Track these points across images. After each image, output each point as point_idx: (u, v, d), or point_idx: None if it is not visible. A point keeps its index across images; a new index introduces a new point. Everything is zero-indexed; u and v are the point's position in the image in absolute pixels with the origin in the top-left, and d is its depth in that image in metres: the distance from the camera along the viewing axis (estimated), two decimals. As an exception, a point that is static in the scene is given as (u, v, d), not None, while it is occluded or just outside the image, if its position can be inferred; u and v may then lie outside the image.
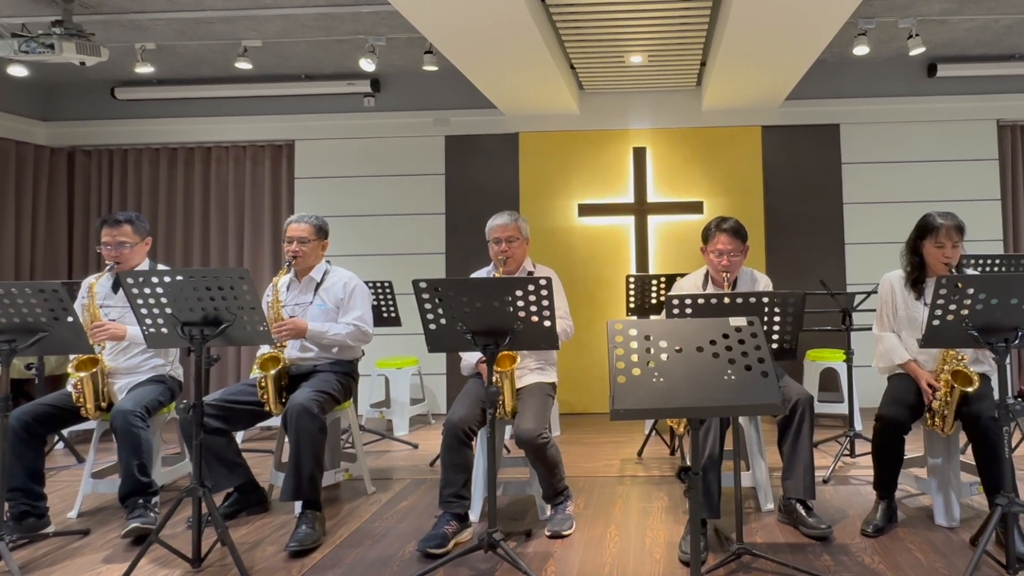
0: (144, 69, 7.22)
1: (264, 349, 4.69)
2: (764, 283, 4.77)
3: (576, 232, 8.26)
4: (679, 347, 2.75)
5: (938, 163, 8.14)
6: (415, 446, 6.55)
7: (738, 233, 4.56)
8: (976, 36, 7.39)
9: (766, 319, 3.75)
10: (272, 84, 8.31)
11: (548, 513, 4.40)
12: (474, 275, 4.82)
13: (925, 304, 4.19)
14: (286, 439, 4.34)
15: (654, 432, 6.25)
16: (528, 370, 4.60)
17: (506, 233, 4.63)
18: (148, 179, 8.70)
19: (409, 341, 7.60)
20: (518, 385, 4.46)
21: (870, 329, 4.69)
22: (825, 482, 5.07)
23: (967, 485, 4.29)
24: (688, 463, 2.91)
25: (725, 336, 2.79)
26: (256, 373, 4.53)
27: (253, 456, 5.65)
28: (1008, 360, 3.47)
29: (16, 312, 3.71)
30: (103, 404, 4.51)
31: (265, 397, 4.48)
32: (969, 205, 7.78)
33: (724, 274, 4.54)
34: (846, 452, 5.69)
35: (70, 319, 3.79)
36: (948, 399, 4.00)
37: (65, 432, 6.19)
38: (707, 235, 4.64)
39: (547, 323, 3.64)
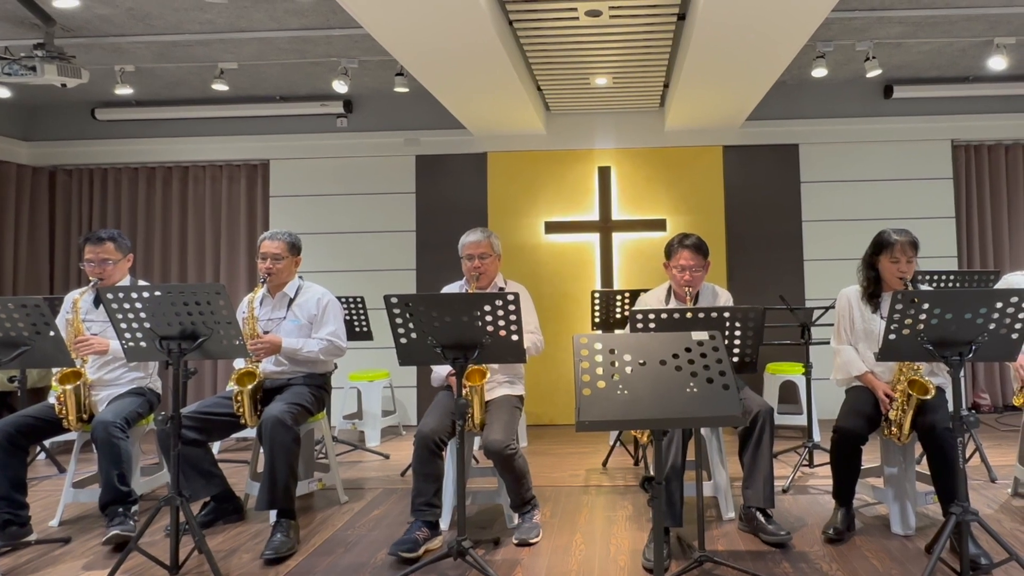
0: (123, 91, 7.30)
1: (240, 364, 4.72)
2: (725, 298, 4.83)
3: (543, 249, 8.34)
4: (643, 360, 2.79)
5: (894, 182, 8.25)
6: (387, 457, 6.60)
7: (700, 249, 4.64)
8: (931, 59, 7.50)
9: (727, 333, 3.80)
10: (247, 105, 8.40)
11: (516, 522, 4.45)
12: (446, 289, 4.87)
13: (882, 317, 4.28)
14: (261, 450, 4.35)
15: (619, 443, 6.30)
16: (497, 383, 4.64)
17: (479, 250, 4.68)
18: (127, 197, 8.76)
19: (381, 355, 7.62)
20: (487, 398, 4.51)
21: (828, 343, 4.75)
22: (784, 491, 5.16)
23: (922, 494, 4.36)
24: (652, 473, 2.89)
25: (687, 350, 2.82)
26: (232, 387, 4.56)
27: (229, 466, 5.68)
28: (962, 373, 3.47)
29: (-1, 327, 3.77)
30: (85, 416, 4.56)
31: (241, 411, 4.51)
32: (924, 223, 7.87)
33: (687, 289, 4.61)
34: (805, 462, 5.74)
35: (52, 333, 3.84)
36: (905, 407, 4.08)
37: (47, 443, 6.20)
38: (670, 251, 4.71)
39: (515, 337, 3.68)
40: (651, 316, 3.74)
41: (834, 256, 8.12)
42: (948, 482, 3.85)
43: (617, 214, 8.33)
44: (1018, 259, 8.23)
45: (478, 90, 6.71)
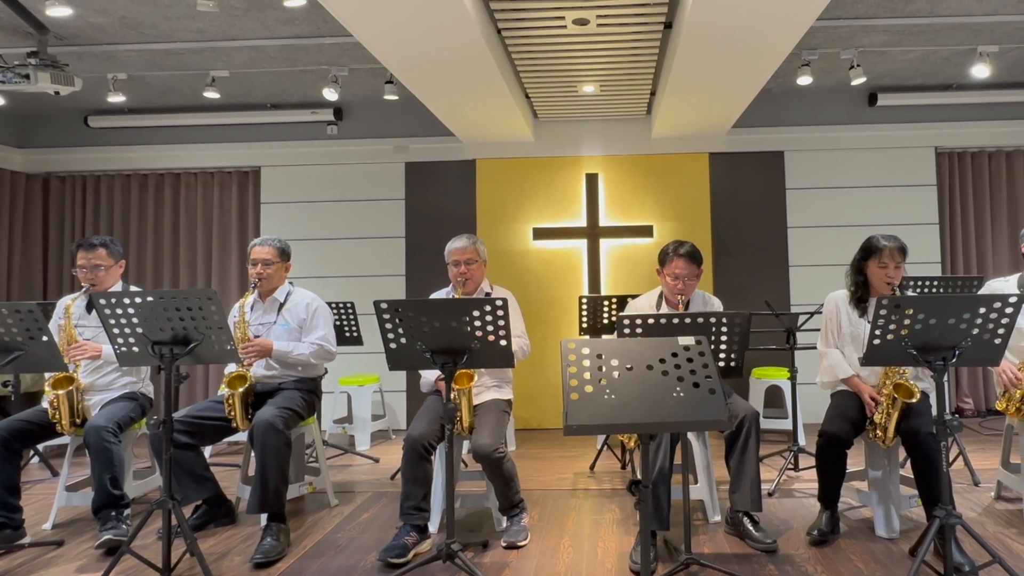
0: (116, 98, 7.32)
1: (231, 368, 4.75)
2: (716, 305, 4.85)
3: (531, 255, 8.39)
4: (630, 365, 2.79)
5: (878, 189, 8.30)
6: (376, 460, 6.61)
7: (694, 258, 4.64)
8: (915, 67, 7.56)
9: (713, 338, 3.82)
10: (239, 113, 8.43)
11: (504, 525, 4.47)
12: (433, 296, 4.87)
13: (868, 321, 4.27)
14: (252, 454, 4.37)
15: (606, 447, 6.33)
16: (485, 387, 4.66)
17: (465, 256, 4.71)
18: (120, 204, 8.80)
19: (370, 359, 7.70)
20: (475, 402, 4.53)
21: (814, 348, 4.77)
22: (770, 495, 5.18)
23: (906, 498, 4.39)
24: (639, 477, 2.89)
25: (674, 355, 2.82)
26: (224, 391, 4.59)
27: (220, 470, 5.66)
28: (946, 378, 3.49)
29: (-6, 332, 3.80)
30: (78, 420, 4.57)
31: (232, 414, 4.54)
32: (908, 229, 7.88)
33: (679, 296, 4.61)
34: (790, 466, 5.78)
35: (45, 338, 3.88)
36: (890, 411, 4.11)
37: (40, 447, 6.21)
38: (664, 258, 4.70)
39: (503, 342, 3.70)
40: (638, 321, 3.76)
41: (819, 262, 8.16)
42: (932, 486, 3.85)
43: (604, 220, 8.37)
44: (1001, 265, 8.27)
45: (467, 98, 6.75)
